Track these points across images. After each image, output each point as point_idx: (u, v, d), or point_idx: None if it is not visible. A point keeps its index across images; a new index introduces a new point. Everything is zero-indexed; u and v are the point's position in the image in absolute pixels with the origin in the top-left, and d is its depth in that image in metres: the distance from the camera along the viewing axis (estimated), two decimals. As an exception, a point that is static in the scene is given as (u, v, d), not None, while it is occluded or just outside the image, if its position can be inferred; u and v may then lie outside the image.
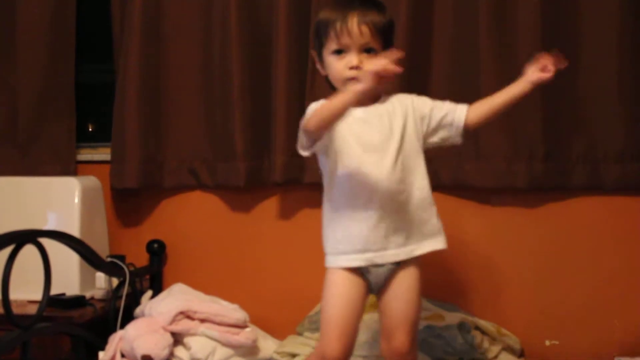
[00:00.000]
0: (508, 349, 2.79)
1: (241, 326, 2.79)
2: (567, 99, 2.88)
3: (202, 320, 2.77)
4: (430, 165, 2.96)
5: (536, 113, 2.85)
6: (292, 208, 3.16)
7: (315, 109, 2.09)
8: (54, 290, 2.39)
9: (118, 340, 2.67)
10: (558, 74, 2.83)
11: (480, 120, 2.21)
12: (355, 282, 2.15)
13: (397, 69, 1.91)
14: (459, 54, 2.95)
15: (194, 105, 3.17)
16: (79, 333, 2.57)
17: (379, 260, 2.13)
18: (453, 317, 2.76)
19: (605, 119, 2.85)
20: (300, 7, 3.03)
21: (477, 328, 2.76)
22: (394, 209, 2.12)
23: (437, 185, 2.96)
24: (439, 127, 2.21)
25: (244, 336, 2.76)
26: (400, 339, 2.15)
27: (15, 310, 2.18)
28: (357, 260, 2.13)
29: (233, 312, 2.83)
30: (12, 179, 3.12)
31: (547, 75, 2.16)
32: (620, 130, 2.85)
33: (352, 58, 2.11)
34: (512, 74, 2.79)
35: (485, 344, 2.73)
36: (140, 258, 3.15)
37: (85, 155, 3.37)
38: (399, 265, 2.16)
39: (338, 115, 2.01)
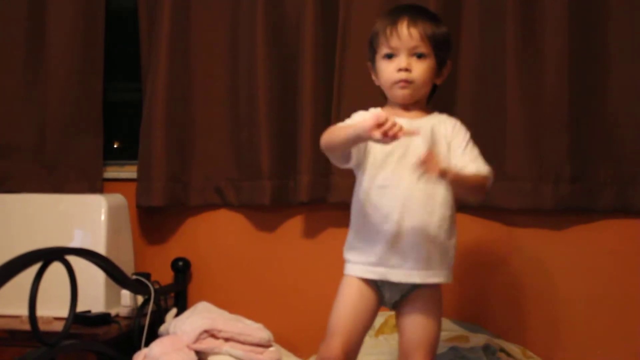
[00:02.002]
0: (533, 371, 2.77)
1: (265, 345, 2.78)
2: (594, 120, 2.86)
3: (227, 339, 2.76)
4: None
5: (563, 134, 2.83)
6: (317, 227, 3.16)
7: (329, 129, 2.12)
8: (79, 307, 2.39)
9: (142, 358, 2.66)
10: (587, 96, 2.84)
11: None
12: (366, 293, 2.17)
13: (402, 133, 1.92)
14: (485, 77, 2.95)
15: (220, 124, 3.19)
16: (104, 351, 2.57)
17: (393, 278, 2.14)
18: (478, 339, 2.74)
19: (633, 142, 2.84)
20: (327, 25, 3.04)
21: (503, 350, 2.73)
22: (416, 229, 2.11)
23: (463, 206, 2.96)
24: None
25: (267, 356, 2.75)
26: None
27: (41, 327, 2.18)
28: (370, 273, 2.15)
29: (257, 331, 2.82)
30: (39, 196, 3.14)
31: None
32: (648, 153, 2.83)
33: (401, 60, 2.15)
34: (537, 99, 2.81)
35: (511, 366, 2.71)
36: (165, 276, 3.16)
37: (111, 172, 3.39)
38: (417, 286, 2.15)
39: (342, 145, 2.06)
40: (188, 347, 2.69)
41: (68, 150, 3.32)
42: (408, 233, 2.11)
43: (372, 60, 2.27)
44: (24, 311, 2.13)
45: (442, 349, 2.57)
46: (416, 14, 2.19)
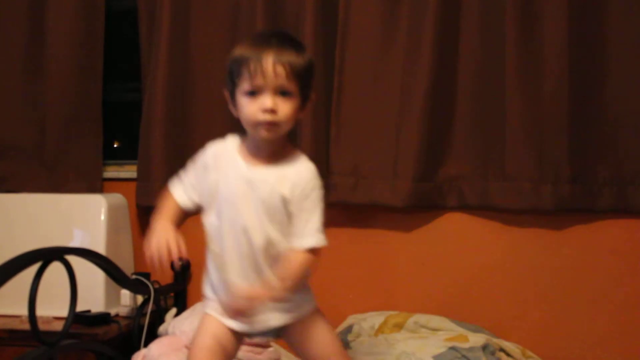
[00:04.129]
0: (533, 371, 2.77)
1: (264, 345, 2.78)
2: (594, 120, 2.87)
3: (226, 339, 2.77)
4: (454, 185, 2.99)
5: (562, 134, 2.84)
6: (315, 227, 3.15)
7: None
8: (79, 307, 2.39)
9: (141, 358, 2.67)
10: (586, 97, 2.84)
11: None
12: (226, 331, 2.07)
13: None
14: (484, 78, 2.96)
15: (219, 124, 3.18)
16: (103, 350, 2.57)
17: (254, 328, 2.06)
18: (477, 339, 2.73)
19: (633, 142, 2.84)
20: (327, 26, 3.05)
21: (502, 350, 2.73)
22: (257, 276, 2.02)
23: (462, 205, 2.98)
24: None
25: (266, 356, 2.75)
26: None
27: (41, 326, 2.18)
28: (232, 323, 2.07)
29: (256, 331, 2.82)
30: (39, 196, 3.16)
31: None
32: (648, 153, 2.84)
33: (266, 100, 1.93)
34: (537, 100, 2.80)
35: (510, 366, 2.71)
36: (164, 276, 3.15)
37: (111, 172, 3.40)
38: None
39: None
40: (187, 347, 2.69)
41: (68, 150, 3.32)
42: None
43: (231, 92, 2.03)
44: (23, 311, 2.13)
45: (441, 348, 2.56)
46: (281, 46, 1.96)
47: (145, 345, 2.74)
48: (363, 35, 3.01)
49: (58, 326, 2.43)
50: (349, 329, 2.78)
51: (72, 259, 2.27)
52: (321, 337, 2.10)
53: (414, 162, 2.92)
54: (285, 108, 1.94)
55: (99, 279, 2.85)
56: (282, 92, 1.94)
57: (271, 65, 1.91)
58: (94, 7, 3.34)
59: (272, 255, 2.00)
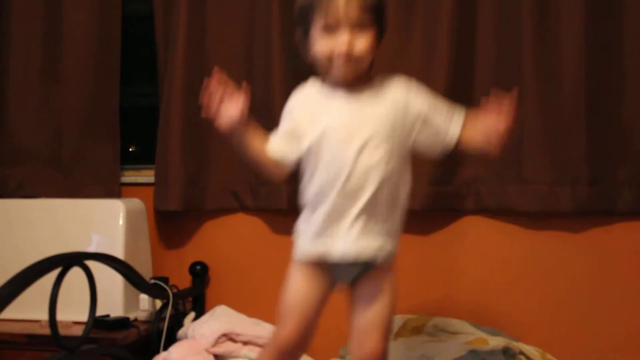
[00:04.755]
0: (553, 374, 2.76)
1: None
2: (612, 122, 2.85)
3: (245, 343, 2.77)
4: (472, 188, 2.98)
5: (581, 136, 2.82)
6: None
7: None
8: (98, 312, 2.40)
9: (161, 362, 2.68)
10: (604, 99, 2.82)
11: (466, 145, 2.13)
12: (316, 277, 2.12)
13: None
14: (502, 79, 2.94)
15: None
16: (122, 355, 2.58)
17: (333, 250, 2.05)
18: (497, 342, 2.73)
19: (652, 144, 2.82)
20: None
21: (522, 353, 2.72)
22: (356, 201, 2.02)
23: (480, 209, 2.97)
24: (429, 132, 2.11)
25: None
26: (372, 343, 2.08)
27: (61, 331, 2.19)
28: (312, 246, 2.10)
29: (275, 334, 2.82)
30: (56, 201, 3.17)
31: (501, 128, 2.03)
32: (667, 155, 2.82)
33: (342, 35, 1.96)
34: (554, 102, 2.79)
35: (530, 369, 2.70)
36: (183, 280, 3.16)
37: (128, 177, 3.40)
38: (367, 267, 2.09)
39: (252, 156, 2.13)
40: (207, 350, 2.70)
41: (85, 154, 3.33)
42: (347, 202, 2.04)
43: (305, 33, 2.07)
44: (43, 315, 2.14)
45: (461, 352, 2.56)
46: None
47: (165, 349, 2.74)
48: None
49: (77, 331, 2.43)
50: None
51: (91, 263, 2.27)
52: (385, 299, 2.11)
53: (432, 165, 2.91)
54: (361, 42, 1.98)
55: (117, 284, 2.86)
56: (358, 25, 1.97)
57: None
58: (110, 11, 3.35)
59: (392, 175, 2.04)
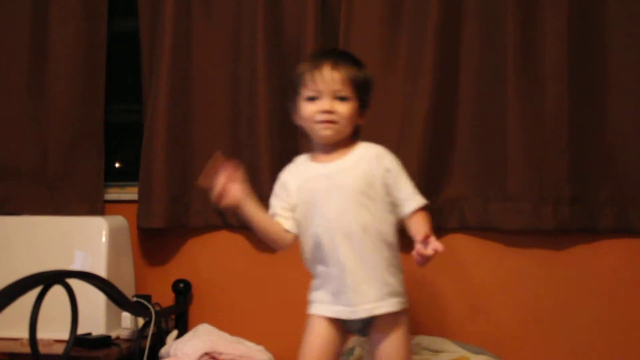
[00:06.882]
0: (535, 393, 2.76)
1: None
2: (594, 141, 2.87)
3: (227, 362, 2.77)
4: (455, 206, 2.99)
5: (563, 155, 2.84)
6: (317, 249, 3.15)
7: None
8: (79, 330, 2.39)
9: (143, 380, 2.67)
10: (586, 118, 2.85)
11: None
12: (330, 328, 2.26)
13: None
14: (485, 98, 2.96)
15: (221, 145, 3.18)
16: (104, 373, 2.57)
17: (352, 316, 2.22)
18: (479, 360, 2.74)
19: (633, 162, 2.84)
20: (328, 45, 3.05)
21: (504, 371, 2.73)
22: (357, 263, 2.20)
23: (463, 226, 2.98)
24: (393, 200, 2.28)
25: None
26: None
27: (42, 349, 2.18)
28: (329, 312, 2.26)
29: (258, 353, 2.82)
30: (40, 218, 3.16)
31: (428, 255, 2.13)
32: (649, 173, 2.83)
33: (324, 103, 2.20)
34: (538, 121, 2.80)
35: (512, 387, 2.70)
36: (166, 298, 3.15)
37: (112, 194, 3.40)
38: (371, 319, 2.23)
39: (258, 229, 2.27)
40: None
41: (69, 171, 3.32)
42: (350, 266, 2.22)
43: (293, 101, 2.31)
44: (23, 333, 2.14)
45: (443, 370, 2.56)
46: (339, 58, 2.26)
47: (147, 368, 2.74)
48: (363, 58, 3.01)
49: (58, 349, 2.42)
50: (350, 352, 2.77)
51: (72, 281, 2.26)
52: (398, 343, 2.25)
53: (415, 183, 2.92)
54: (342, 108, 2.21)
55: (99, 302, 2.84)
56: (340, 98, 2.21)
57: (328, 72, 2.20)
58: (95, 28, 3.36)
59: (372, 236, 2.22)
